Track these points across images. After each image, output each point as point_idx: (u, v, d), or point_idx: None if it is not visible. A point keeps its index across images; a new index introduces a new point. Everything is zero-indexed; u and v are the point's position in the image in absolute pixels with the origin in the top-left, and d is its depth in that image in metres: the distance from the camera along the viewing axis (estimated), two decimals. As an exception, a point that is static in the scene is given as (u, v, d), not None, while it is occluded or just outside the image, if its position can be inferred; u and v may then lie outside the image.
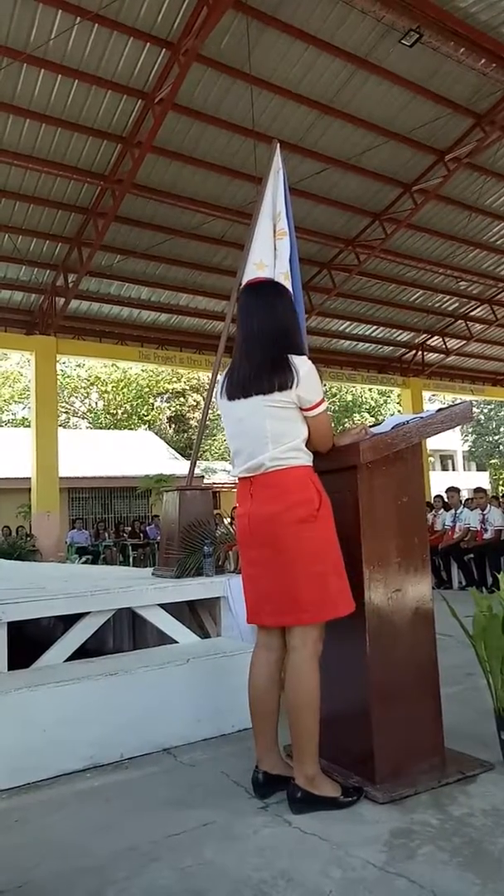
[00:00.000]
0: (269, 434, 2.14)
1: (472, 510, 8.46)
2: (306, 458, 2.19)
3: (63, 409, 27.73)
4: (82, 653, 3.02)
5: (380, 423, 2.54)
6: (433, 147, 11.36)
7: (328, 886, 1.69)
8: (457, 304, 16.57)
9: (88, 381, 30.11)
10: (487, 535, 8.02)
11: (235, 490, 2.35)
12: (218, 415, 2.42)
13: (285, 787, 2.12)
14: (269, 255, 3.59)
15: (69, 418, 29.75)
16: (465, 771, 2.29)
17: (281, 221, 3.61)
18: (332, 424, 2.34)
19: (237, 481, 2.30)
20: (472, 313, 16.96)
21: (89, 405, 31.31)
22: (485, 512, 8.21)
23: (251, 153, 9.79)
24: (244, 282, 3.57)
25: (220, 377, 2.46)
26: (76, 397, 30.87)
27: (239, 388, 2.21)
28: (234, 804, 2.17)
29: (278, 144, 3.95)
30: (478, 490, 8.91)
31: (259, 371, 2.17)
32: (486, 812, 2.04)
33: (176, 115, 9.69)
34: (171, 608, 3.29)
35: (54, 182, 10.54)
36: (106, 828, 2.08)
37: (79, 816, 2.18)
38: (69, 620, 3.06)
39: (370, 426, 2.53)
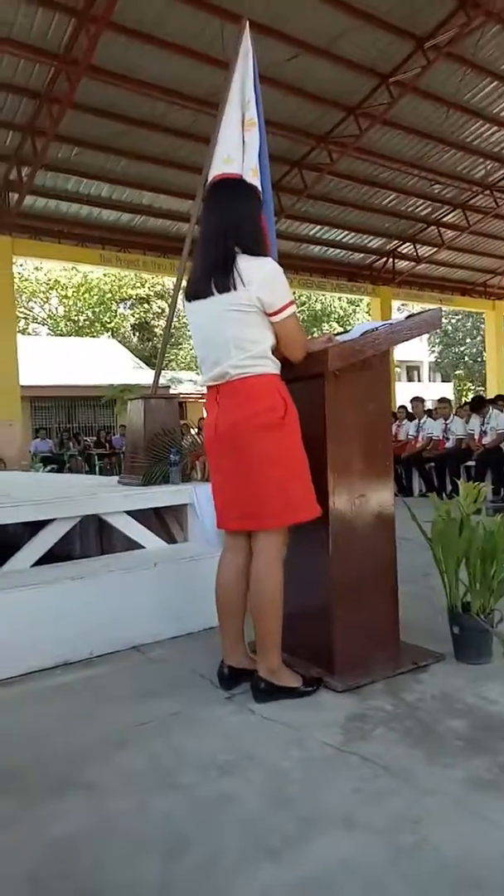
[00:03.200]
0: (231, 340, 2.10)
1: (435, 420, 8.61)
2: (273, 367, 2.16)
3: (21, 315, 26.74)
4: (50, 559, 3.05)
5: (348, 332, 2.50)
6: (412, 33, 10.61)
7: (288, 765, 1.82)
8: (429, 209, 16.11)
9: (47, 285, 28.90)
10: (449, 445, 8.22)
11: (202, 401, 2.32)
12: (184, 323, 2.35)
13: (249, 679, 2.24)
14: (237, 148, 3.37)
15: (28, 324, 28.75)
16: (418, 661, 2.44)
17: (250, 110, 3.38)
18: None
19: (205, 390, 2.27)
20: (445, 219, 16.55)
21: (49, 311, 30.23)
22: (448, 422, 8.37)
23: (218, 34, 9.02)
24: (210, 177, 3.37)
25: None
26: (35, 302, 29.71)
27: (192, 290, 2.17)
28: (201, 695, 2.29)
29: (248, 24, 3.63)
30: (441, 400, 9.03)
31: (206, 272, 2.11)
32: (436, 697, 2.19)
33: (135, -14, 8.80)
34: (139, 515, 3.32)
35: (1, 61, 9.62)
36: (76, 719, 2.18)
37: (50, 710, 2.27)
38: (36, 528, 3.07)
39: (337, 334, 2.50)
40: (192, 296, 2.19)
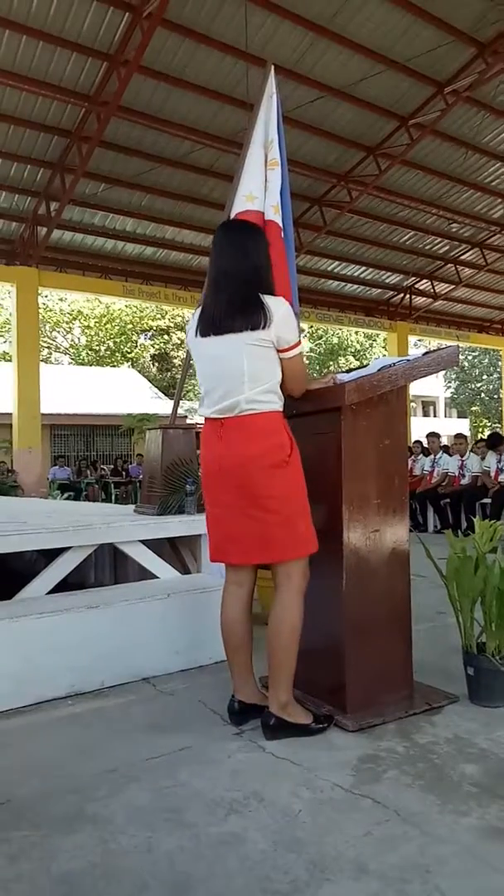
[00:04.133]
0: (246, 373, 2.14)
1: (451, 456, 8.56)
2: (279, 403, 2.21)
3: (45, 344, 27.21)
4: (64, 587, 3.06)
5: (365, 367, 2.53)
6: (432, 78, 10.88)
7: (298, 806, 1.78)
8: (447, 248, 16.29)
9: (71, 315, 29.45)
10: (464, 481, 8.15)
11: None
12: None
13: (260, 715, 2.21)
14: (260, 186, 3.45)
15: (51, 353, 29.23)
16: (431, 702, 2.39)
17: (273, 150, 3.46)
18: (307, 369, 2.35)
19: (203, 421, 2.29)
20: (463, 257, 16.71)
21: (72, 340, 30.74)
22: (464, 458, 8.32)
23: (243, 77, 9.34)
24: (233, 215, 3.45)
25: (189, 315, 2.43)
26: (58, 332, 30.25)
27: (211, 325, 2.20)
28: (211, 730, 2.26)
29: (272, 67, 3.75)
30: (458, 436, 8.99)
31: (231, 309, 2.15)
32: (450, 740, 2.15)
33: (165, 32, 9.14)
34: (153, 545, 3.33)
35: (36, 102, 10.00)
36: (86, 751, 2.16)
37: (60, 740, 2.25)
38: (51, 555, 3.09)
39: (356, 368, 2.53)
40: (210, 331, 2.21)
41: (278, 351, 2.17)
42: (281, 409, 2.21)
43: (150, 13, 8.53)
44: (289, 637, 2.16)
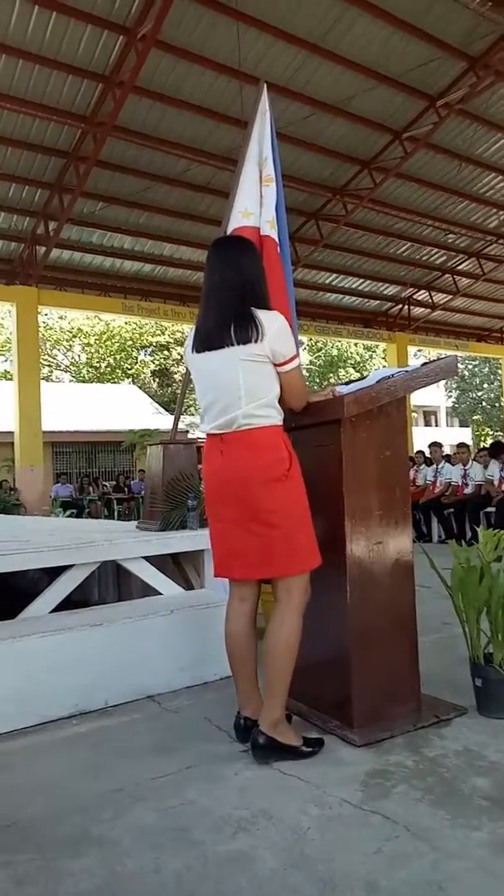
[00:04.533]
0: (242, 388, 2.13)
1: (453, 465, 8.55)
2: (278, 417, 2.20)
3: (45, 363, 27.33)
4: (68, 604, 3.05)
5: (364, 378, 2.53)
6: (425, 92, 11.01)
7: (306, 823, 1.76)
8: (444, 258, 16.38)
9: (71, 333, 29.60)
10: (468, 490, 8.13)
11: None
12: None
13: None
14: (255, 203, 3.48)
15: (52, 371, 29.35)
16: (440, 715, 2.37)
17: (267, 167, 3.49)
18: (307, 381, 2.34)
19: (205, 437, 2.29)
20: (460, 267, 16.80)
21: (72, 358, 30.87)
22: (466, 467, 8.30)
23: (237, 96, 9.43)
24: (229, 231, 3.48)
25: (188, 330, 2.43)
26: (58, 350, 30.39)
27: (204, 342, 2.21)
28: (217, 748, 2.24)
29: (265, 85, 3.80)
30: (461, 445, 8.97)
31: (222, 324, 2.15)
32: (459, 753, 2.12)
33: (159, 53, 9.27)
34: (156, 561, 3.31)
35: (33, 123, 10.12)
36: (92, 771, 2.14)
37: (65, 760, 2.23)
38: (54, 573, 3.08)
39: (356, 380, 2.53)
40: (204, 346, 2.22)
41: (275, 365, 2.17)
42: (280, 423, 2.20)
43: (145, 35, 8.66)
44: (284, 655, 2.13)
